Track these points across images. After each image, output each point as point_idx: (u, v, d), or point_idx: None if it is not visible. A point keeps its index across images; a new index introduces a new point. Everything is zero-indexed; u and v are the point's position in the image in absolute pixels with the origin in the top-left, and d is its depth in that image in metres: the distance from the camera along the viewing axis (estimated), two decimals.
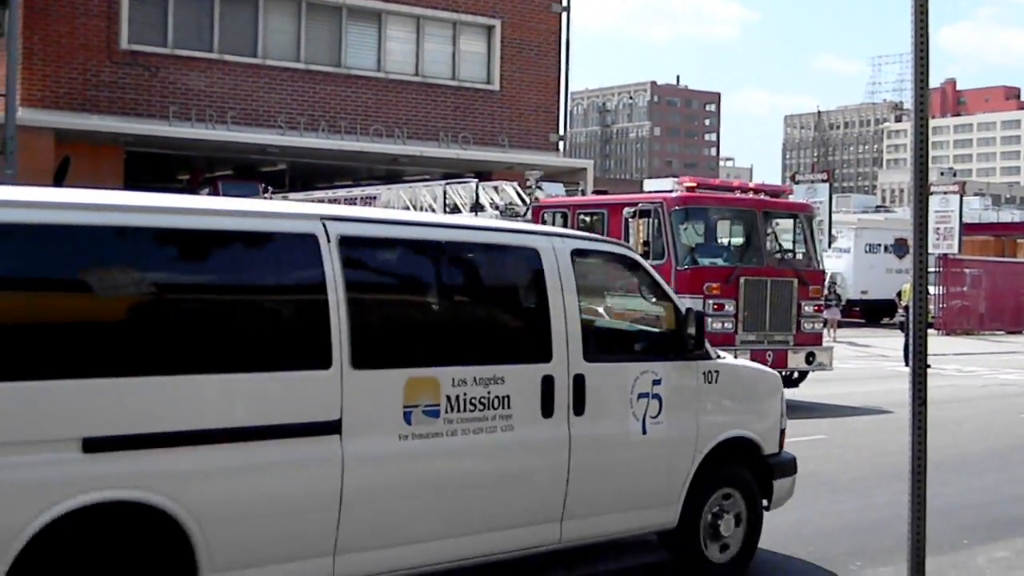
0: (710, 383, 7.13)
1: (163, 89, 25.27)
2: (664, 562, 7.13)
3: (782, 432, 7.67)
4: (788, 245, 17.37)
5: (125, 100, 24.84)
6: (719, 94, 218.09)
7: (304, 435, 5.36)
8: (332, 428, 5.42)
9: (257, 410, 5.25)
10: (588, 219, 17.12)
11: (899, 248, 38.34)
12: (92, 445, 4.78)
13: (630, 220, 15.87)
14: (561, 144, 31.03)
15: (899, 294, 28.02)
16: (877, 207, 66.54)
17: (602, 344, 6.73)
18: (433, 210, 20.16)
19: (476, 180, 19.97)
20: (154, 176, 28.19)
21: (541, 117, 30.33)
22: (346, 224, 5.78)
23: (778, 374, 8.22)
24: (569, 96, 31.64)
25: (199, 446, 5.05)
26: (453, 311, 6.42)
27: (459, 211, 19.99)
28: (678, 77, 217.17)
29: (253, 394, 5.26)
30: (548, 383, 6.23)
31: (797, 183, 28.17)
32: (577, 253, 6.65)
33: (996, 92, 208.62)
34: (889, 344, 28.83)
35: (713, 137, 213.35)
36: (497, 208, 19.08)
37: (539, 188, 18.68)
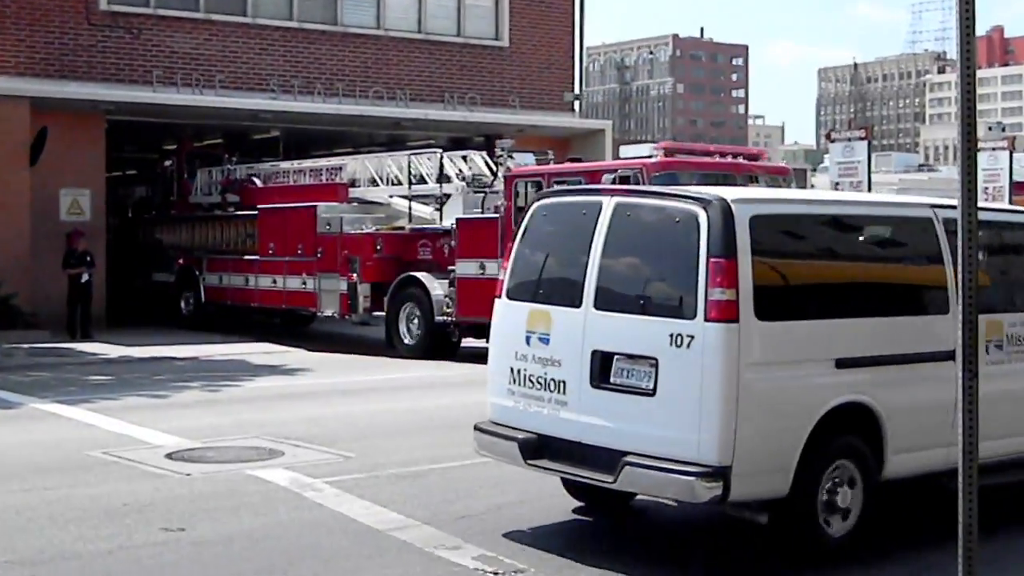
0: None
1: (146, 52, 24.23)
2: None
3: None
4: None
5: (106, 65, 23.85)
6: (747, 47, 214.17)
7: (936, 360, 7.63)
8: (950, 356, 7.17)
9: (917, 341, 7.66)
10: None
11: None
12: (841, 363, 7.21)
13: None
14: (577, 104, 30.01)
15: None
16: (920, 166, 65.00)
17: None
18: (399, 182, 20.15)
19: (441, 150, 19.91)
20: (139, 146, 27.14)
21: (554, 75, 29.24)
22: (943, 210, 8.02)
23: None
24: (584, 52, 30.77)
25: (890, 366, 7.48)
26: (1005, 274, 8.91)
27: (425, 182, 19.71)
28: (702, 29, 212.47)
29: (915, 329, 7.73)
30: None
31: (833, 141, 26.69)
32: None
33: None
34: None
35: (741, 93, 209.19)
36: (464, 179, 18.96)
37: (511, 157, 18.46)
